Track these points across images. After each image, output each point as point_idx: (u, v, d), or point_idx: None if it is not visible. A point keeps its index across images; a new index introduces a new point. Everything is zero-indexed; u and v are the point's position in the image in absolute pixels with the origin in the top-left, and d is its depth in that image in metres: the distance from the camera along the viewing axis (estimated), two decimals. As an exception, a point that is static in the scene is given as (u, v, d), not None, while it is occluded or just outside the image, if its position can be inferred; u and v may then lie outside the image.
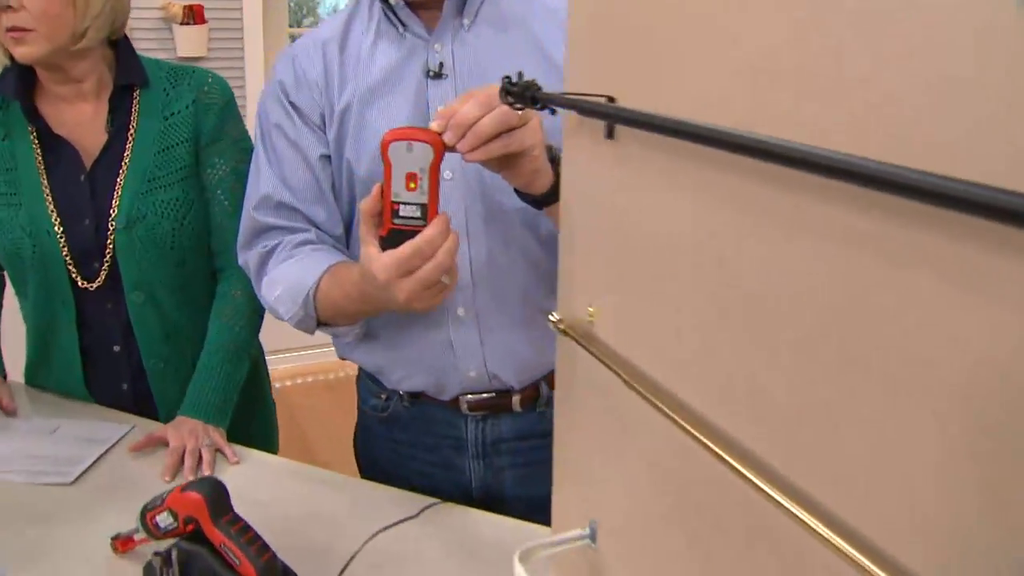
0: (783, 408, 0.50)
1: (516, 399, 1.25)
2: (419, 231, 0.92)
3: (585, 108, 0.67)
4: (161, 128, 1.40)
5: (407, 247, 0.92)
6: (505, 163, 0.95)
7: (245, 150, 1.45)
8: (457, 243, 0.94)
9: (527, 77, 1.11)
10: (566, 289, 0.77)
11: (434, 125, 0.92)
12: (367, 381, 1.35)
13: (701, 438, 0.56)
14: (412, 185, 0.92)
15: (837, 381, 0.45)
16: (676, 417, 0.59)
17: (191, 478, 1.25)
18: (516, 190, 1.03)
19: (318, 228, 1.21)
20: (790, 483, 0.50)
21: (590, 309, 0.73)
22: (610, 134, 0.68)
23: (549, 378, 1.26)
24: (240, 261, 1.26)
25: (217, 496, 0.98)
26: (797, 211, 0.47)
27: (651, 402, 0.62)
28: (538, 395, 1.27)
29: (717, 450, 0.55)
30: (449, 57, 1.15)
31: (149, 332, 1.44)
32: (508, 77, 0.80)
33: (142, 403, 1.48)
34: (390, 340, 1.23)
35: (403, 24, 1.16)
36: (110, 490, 1.24)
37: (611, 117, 0.66)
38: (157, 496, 1.02)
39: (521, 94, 0.79)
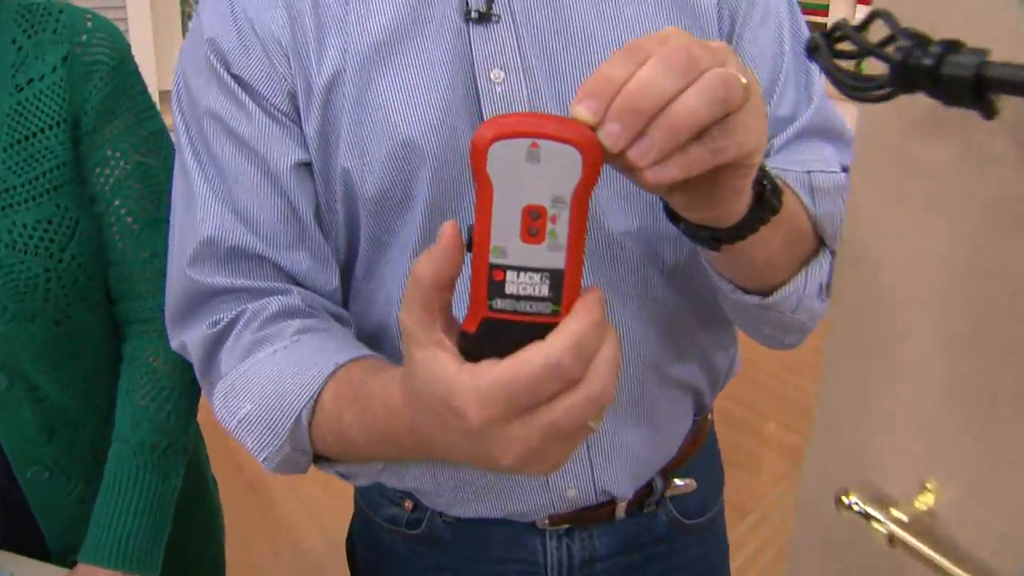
0: None
1: (621, 506, 0.85)
2: (547, 323, 0.47)
3: None
4: (11, 106, 0.88)
5: (526, 361, 0.46)
6: (695, 178, 0.51)
7: (154, 135, 0.97)
8: (619, 347, 0.49)
9: (642, 17, 0.74)
10: (845, 434, 0.48)
11: (579, 110, 0.46)
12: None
13: None
14: (534, 232, 0.47)
15: None
16: None
17: None
18: (668, 209, 0.60)
19: (299, 284, 0.76)
20: None
21: (928, 484, 0.45)
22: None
23: (664, 468, 0.88)
24: (173, 343, 0.79)
25: None
26: None
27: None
28: (650, 492, 0.88)
29: None
30: None
31: (21, 430, 0.94)
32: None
33: (19, 532, 0.98)
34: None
35: None
36: None
37: None
38: None
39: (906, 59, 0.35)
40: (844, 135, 0.78)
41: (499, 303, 0.48)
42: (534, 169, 0.46)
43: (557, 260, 0.47)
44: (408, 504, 0.89)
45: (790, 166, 0.71)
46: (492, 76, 0.72)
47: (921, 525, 0.45)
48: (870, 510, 0.46)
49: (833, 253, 0.71)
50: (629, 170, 0.47)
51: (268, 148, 0.72)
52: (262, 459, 0.69)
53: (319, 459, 0.71)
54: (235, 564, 1.25)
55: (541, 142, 0.45)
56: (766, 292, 0.68)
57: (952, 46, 0.36)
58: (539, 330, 0.47)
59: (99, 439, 0.97)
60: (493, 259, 0.48)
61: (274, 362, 0.69)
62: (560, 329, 0.46)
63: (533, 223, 0.47)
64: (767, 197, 0.58)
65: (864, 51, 0.39)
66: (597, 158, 0.46)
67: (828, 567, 0.52)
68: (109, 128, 0.93)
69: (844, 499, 0.47)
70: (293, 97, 0.72)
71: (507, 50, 0.72)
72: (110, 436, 0.95)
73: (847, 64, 0.41)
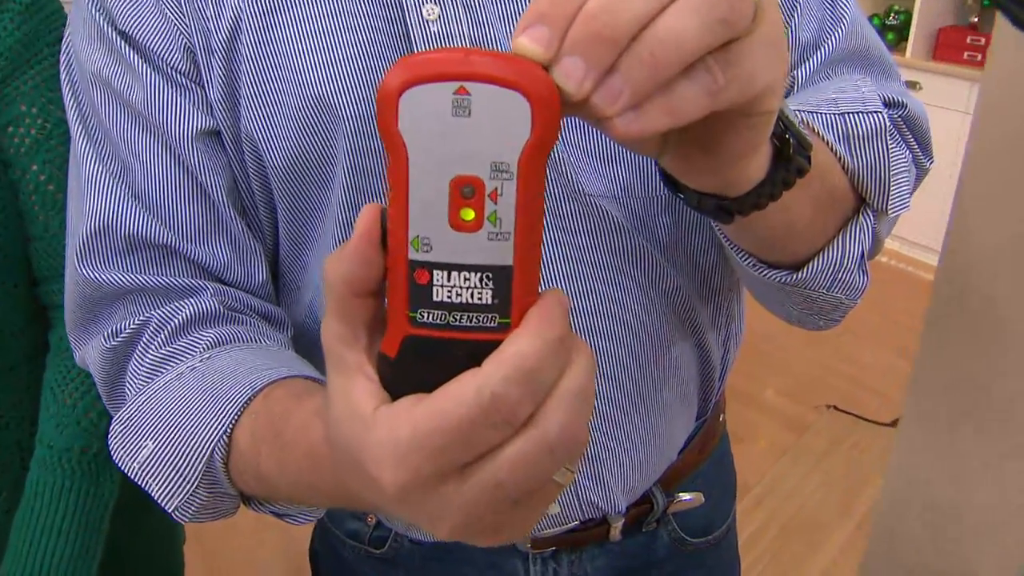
0: None
1: (616, 526, 0.74)
2: (490, 341, 0.34)
3: None
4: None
5: (454, 398, 0.33)
6: (690, 132, 0.38)
7: None
8: (591, 371, 0.36)
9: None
10: None
11: (523, 42, 0.33)
12: None
13: None
14: (468, 216, 0.34)
15: None
16: None
17: None
18: (666, 175, 0.46)
19: (219, 280, 0.63)
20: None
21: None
22: None
23: (666, 478, 0.75)
24: (76, 356, 0.67)
25: None
26: None
27: None
28: (651, 508, 0.76)
29: None
30: None
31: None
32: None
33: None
34: None
35: None
36: None
37: None
38: None
39: None
40: (885, 61, 0.64)
41: (424, 315, 0.35)
42: (464, 125, 0.33)
43: (502, 253, 0.34)
44: (371, 519, 0.77)
45: (819, 107, 0.56)
46: (424, 12, 0.58)
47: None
48: None
49: (876, 213, 0.58)
50: (596, 119, 0.34)
51: (165, 116, 0.59)
52: (172, 509, 0.56)
53: (248, 499, 0.58)
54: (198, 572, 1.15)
55: (472, 86, 0.32)
56: (794, 265, 0.55)
57: None
58: (480, 351, 0.34)
59: (26, 440, 0.86)
60: (413, 254, 0.34)
61: (180, 387, 0.56)
62: (501, 351, 0.34)
63: (466, 202, 0.34)
64: (791, 154, 0.44)
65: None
66: (552, 106, 0.32)
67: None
68: (23, 79, 0.79)
69: None
70: (191, 53, 0.59)
71: None
72: (32, 443, 0.83)
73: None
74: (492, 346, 0.34)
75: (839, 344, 2.97)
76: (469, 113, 0.32)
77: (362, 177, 0.60)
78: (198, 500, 0.55)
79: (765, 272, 0.56)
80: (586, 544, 0.74)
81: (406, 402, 0.34)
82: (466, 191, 0.33)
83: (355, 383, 0.36)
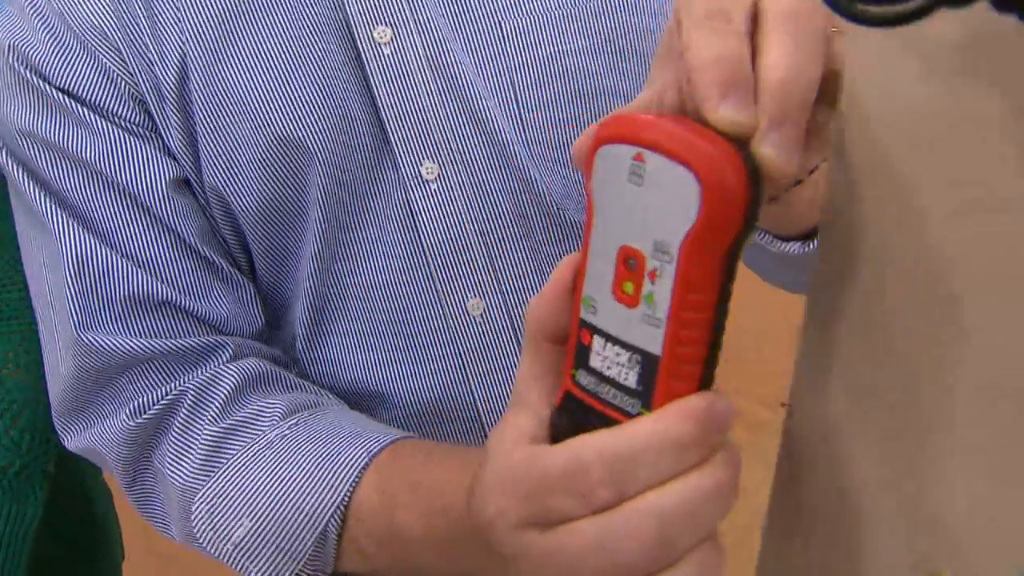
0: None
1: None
2: (621, 420, 0.33)
3: None
4: None
5: (560, 450, 0.32)
6: None
7: None
8: (727, 489, 0.32)
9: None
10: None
11: (726, 113, 0.30)
12: None
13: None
14: (628, 288, 0.32)
15: None
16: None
17: None
18: None
19: (225, 333, 0.60)
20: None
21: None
22: None
23: None
24: (73, 445, 0.61)
25: None
26: None
27: None
28: None
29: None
30: None
31: None
32: None
33: None
34: None
35: None
36: None
37: None
38: None
39: None
40: None
41: (583, 377, 0.34)
42: (637, 194, 0.31)
43: (653, 339, 0.31)
44: None
45: None
46: (376, 35, 0.56)
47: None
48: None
49: None
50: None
51: (128, 170, 0.55)
52: None
53: None
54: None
55: (648, 154, 0.30)
56: (808, 236, 0.54)
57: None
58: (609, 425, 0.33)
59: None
60: (583, 313, 0.34)
61: (274, 458, 0.53)
62: (612, 429, 0.32)
63: (629, 275, 0.32)
64: None
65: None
66: (728, 197, 0.29)
67: None
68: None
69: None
70: (142, 103, 0.55)
71: (389, 0, 0.56)
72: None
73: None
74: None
75: (794, 342, 2.98)
76: (642, 182, 0.30)
77: (337, 214, 0.58)
78: None
79: (782, 247, 0.54)
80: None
81: (539, 445, 0.33)
82: (631, 263, 0.31)
83: (519, 416, 0.35)
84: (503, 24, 0.58)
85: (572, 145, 0.55)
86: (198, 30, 0.55)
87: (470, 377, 0.62)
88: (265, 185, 0.57)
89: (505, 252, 0.60)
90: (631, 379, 0.32)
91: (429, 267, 0.59)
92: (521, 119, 0.59)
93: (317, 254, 0.59)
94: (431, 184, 0.58)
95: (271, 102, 0.56)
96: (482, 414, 0.62)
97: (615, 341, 0.32)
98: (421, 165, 0.58)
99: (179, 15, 0.55)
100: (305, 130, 0.56)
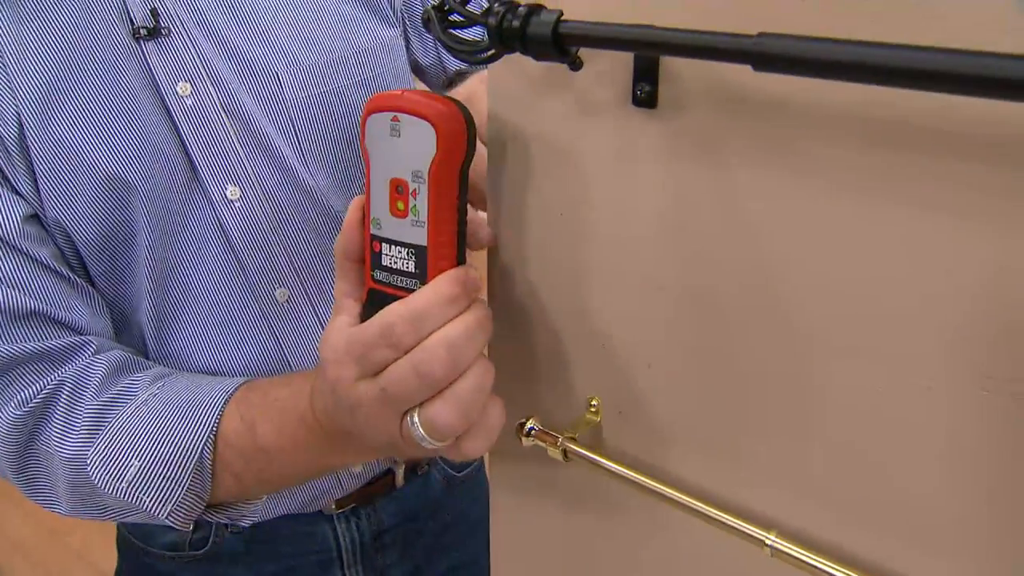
0: None
1: (400, 472, 0.89)
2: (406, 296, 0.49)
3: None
4: None
5: (368, 323, 0.49)
6: None
7: None
8: (473, 333, 0.48)
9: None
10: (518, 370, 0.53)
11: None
12: None
13: None
14: (400, 207, 0.48)
15: None
16: None
17: None
18: None
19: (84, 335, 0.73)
20: None
21: (593, 400, 0.52)
22: (649, 99, 0.43)
23: None
24: None
25: None
26: None
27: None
28: None
29: None
30: None
31: None
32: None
33: None
34: None
35: None
36: None
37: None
38: None
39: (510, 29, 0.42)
40: None
41: (379, 275, 0.50)
42: (396, 143, 0.47)
43: (420, 236, 0.48)
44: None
45: None
46: (179, 90, 0.72)
47: (589, 439, 0.52)
48: (547, 432, 0.52)
49: None
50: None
51: None
52: (166, 514, 0.67)
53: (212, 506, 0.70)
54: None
55: (400, 116, 0.47)
56: None
57: (535, 9, 0.42)
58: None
59: None
60: (373, 230, 0.50)
61: (149, 411, 0.67)
62: (405, 298, 0.48)
63: (399, 196, 0.48)
64: None
65: (468, 20, 0.44)
66: (454, 134, 0.46)
67: (521, 488, 0.59)
68: None
69: (523, 427, 0.53)
70: None
71: (187, 62, 0.72)
72: None
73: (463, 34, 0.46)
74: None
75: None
76: (399, 135, 0.47)
77: (162, 235, 0.72)
78: (187, 503, 0.67)
79: None
80: (378, 496, 0.90)
81: (355, 326, 0.50)
82: (399, 189, 0.47)
83: (339, 316, 0.52)
84: (281, 77, 0.76)
85: (335, 154, 0.73)
86: (28, 94, 0.67)
87: (285, 352, 0.79)
88: (98, 216, 0.69)
89: (299, 249, 0.78)
90: (411, 266, 0.48)
91: (242, 269, 0.76)
92: (299, 143, 0.77)
93: (151, 269, 0.72)
94: (235, 203, 0.74)
95: (96, 148, 0.68)
96: None
97: (396, 243, 0.48)
98: (226, 189, 0.73)
99: (10, 82, 0.68)
100: (126, 169, 0.69)
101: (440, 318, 0.47)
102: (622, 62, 0.44)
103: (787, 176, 0.39)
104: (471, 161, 0.47)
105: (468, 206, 0.49)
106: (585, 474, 0.52)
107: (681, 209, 0.44)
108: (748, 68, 0.34)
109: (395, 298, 0.48)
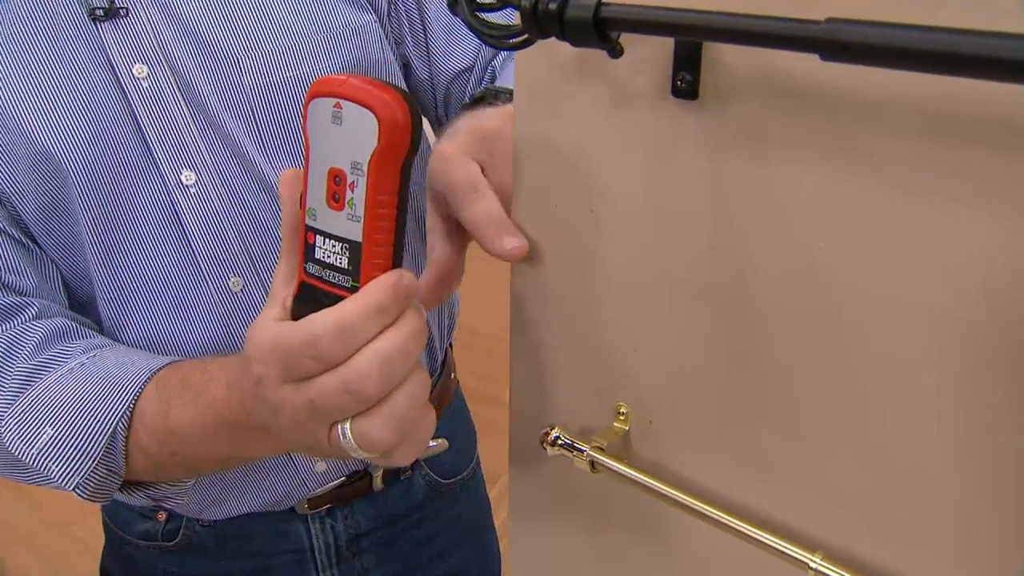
0: None
1: (377, 476, 0.86)
2: (343, 296, 0.45)
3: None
4: None
5: (295, 330, 0.45)
6: None
7: None
8: (406, 344, 0.45)
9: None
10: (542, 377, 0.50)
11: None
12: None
13: None
14: (337, 198, 0.45)
15: None
16: None
17: None
18: None
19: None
20: None
21: (622, 408, 0.48)
22: (690, 90, 0.40)
23: None
24: None
25: None
26: None
27: None
28: None
29: None
30: None
31: None
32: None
33: None
34: None
35: None
36: None
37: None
38: None
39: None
40: None
41: (311, 268, 0.47)
42: (337, 130, 0.44)
43: (355, 231, 0.44)
44: (161, 516, 0.85)
45: None
46: (135, 72, 0.69)
47: (618, 448, 0.49)
48: (573, 442, 0.49)
49: None
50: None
51: None
52: (73, 486, 0.64)
53: (125, 485, 0.67)
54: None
55: (343, 103, 0.43)
56: None
57: (574, -8, 0.38)
58: (337, 303, 0.45)
59: None
60: (308, 221, 0.46)
61: (73, 379, 0.64)
62: (333, 307, 0.44)
63: (336, 187, 0.44)
64: None
65: (500, 1, 0.40)
66: (398, 126, 0.43)
67: (543, 500, 0.56)
68: None
69: (548, 436, 0.50)
70: None
71: (144, 43, 0.70)
72: None
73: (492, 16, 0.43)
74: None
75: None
76: (341, 123, 0.44)
77: (103, 215, 0.70)
78: (96, 478, 0.64)
79: None
80: (355, 497, 0.87)
81: (282, 324, 0.46)
82: (337, 180, 0.44)
83: (270, 307, 0.48)
84: (241, 62, 0.73)
85: (291, 141, 0.70)
86: None
87: (239, 342, 0.76)
88: (35, 188, 0.68)
89: (254, 237, 0.75)
90: (343, 262, 0.45)
91: (195, 255, 0.73)
92: (259, 132, 0.74)
93: (93, 246, 0.70)
94: (190, 188, 0.72)
95: (35, 122, 0.67)
96: None
97: (330, 236, 0.45)
98: (181, 173, 0.72)
99: None
100: (63, 145, 0.67)
101: (370, 331, 0.44)
102: (661, 49, 0.41)
103: (844, 175, 0.37)
104: (414, 157, 0.44)
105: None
106: (613, 486, 0.49)
107: (721, 208, 0.41)
108: (798, 56, 0.31)
109: (326, 294, 0.45)
